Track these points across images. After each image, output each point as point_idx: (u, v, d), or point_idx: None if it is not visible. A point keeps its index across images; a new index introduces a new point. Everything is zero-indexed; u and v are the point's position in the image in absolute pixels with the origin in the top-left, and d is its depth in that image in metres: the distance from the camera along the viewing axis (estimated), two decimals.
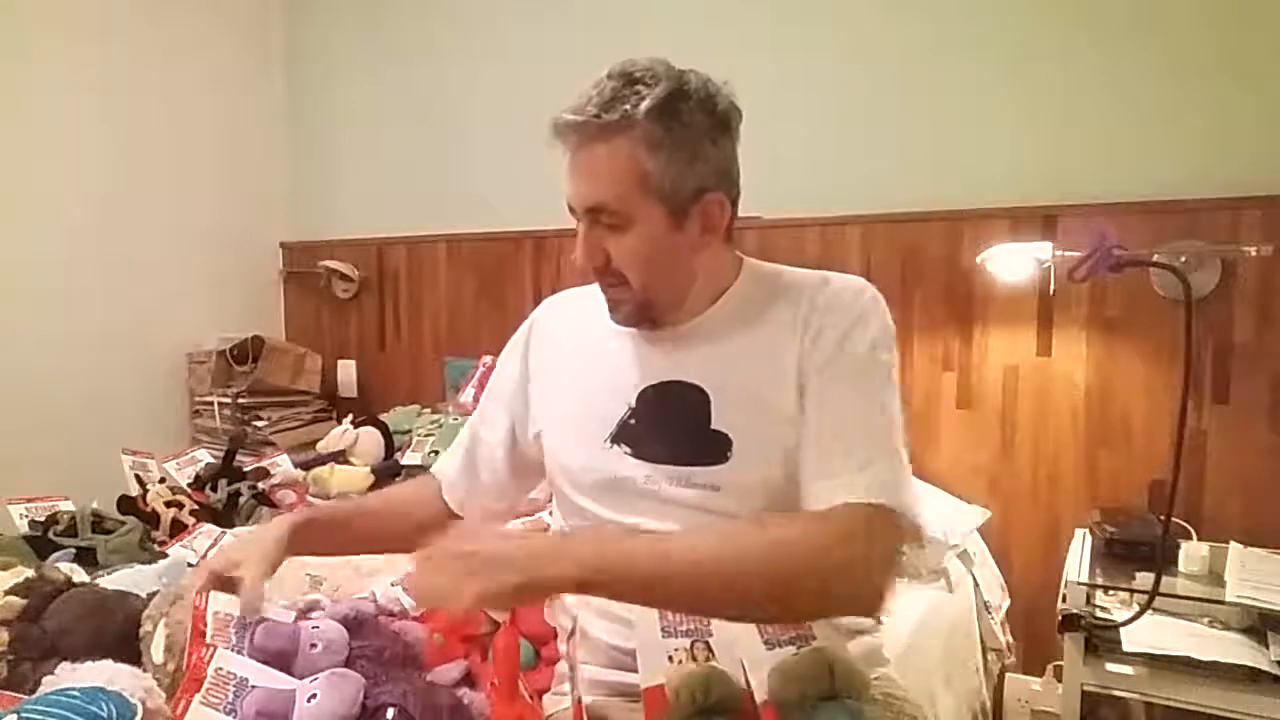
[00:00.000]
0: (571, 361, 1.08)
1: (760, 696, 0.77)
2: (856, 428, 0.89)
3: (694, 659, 0.79)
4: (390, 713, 0.73)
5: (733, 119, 0.96)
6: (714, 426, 0.95)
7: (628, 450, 0.98)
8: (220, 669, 0.79)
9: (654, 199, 0.92)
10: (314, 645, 0.74)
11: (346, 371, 3.00)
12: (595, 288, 1.03)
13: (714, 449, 0.94)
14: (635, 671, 0.82)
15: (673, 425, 0.97)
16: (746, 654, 0.80)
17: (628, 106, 0.89)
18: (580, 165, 0.94)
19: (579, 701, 0.76)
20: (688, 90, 0.92)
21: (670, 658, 0.78)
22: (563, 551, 0.82)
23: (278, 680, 0.81)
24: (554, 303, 1.17)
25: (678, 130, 0.91)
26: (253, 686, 0.79)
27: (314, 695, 0.73)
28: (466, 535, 0.83)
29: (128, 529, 1.66)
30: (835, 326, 0.94)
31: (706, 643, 0.80)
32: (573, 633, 0.86)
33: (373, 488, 2.11)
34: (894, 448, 0.90)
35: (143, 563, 1.50)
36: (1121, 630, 1.47)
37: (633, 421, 0.99)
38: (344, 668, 0.80)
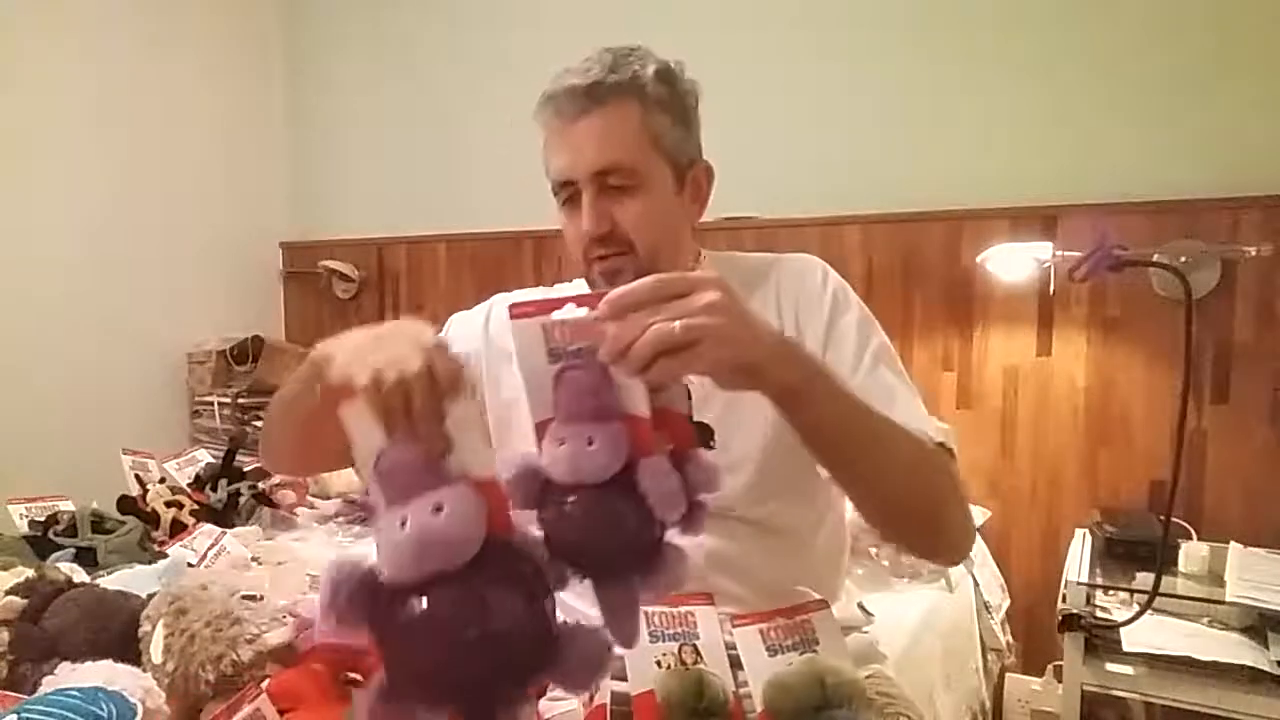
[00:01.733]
0: None
1: (757, 705, 0.76)
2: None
3: (683, 663, 0.78)
4: None
5: (692, 99, 1.00)
6: (695, 419, 0.95)
7: None
8: None
9: (663, 159, 0.94)
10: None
11: None
12: (551, 292, 1.06)
13: (698, 441, 0.94)
14: (625, 679, 0.82)
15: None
16: (748, 662, 0.79)
17: (636, 68, 0.92)
18: (588, 129, 0.92)
19: (602, 706, 0.76)
20: (670, 66, 0.97)
21: (658, 662, 0.78)
22: (799, 356, 0.74)
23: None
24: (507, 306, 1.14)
25: (676, 95, 0.95)
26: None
27: (440, 505, 0.54)
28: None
29: (128, 529, 1.65)
30: (816, 318, 0.95)
31: (694, 645, 0.80)
32: None
33: None
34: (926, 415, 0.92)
35: (143, 563, 1.50)
36: (1121, 630, 1.47)
37: None
38: None
